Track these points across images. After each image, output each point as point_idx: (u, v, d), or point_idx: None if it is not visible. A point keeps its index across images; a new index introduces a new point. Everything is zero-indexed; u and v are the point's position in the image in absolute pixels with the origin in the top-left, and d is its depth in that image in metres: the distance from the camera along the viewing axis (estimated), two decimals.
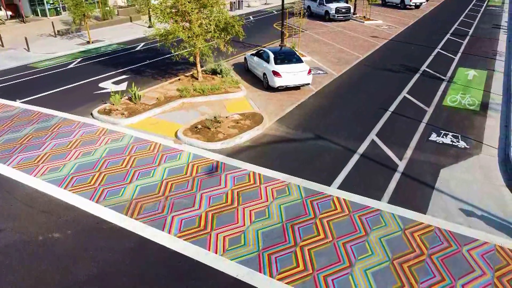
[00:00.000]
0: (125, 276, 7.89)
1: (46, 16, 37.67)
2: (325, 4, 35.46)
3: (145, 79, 19.45)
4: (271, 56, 17.62)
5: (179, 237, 8.88)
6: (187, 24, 17.17)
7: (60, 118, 15.00)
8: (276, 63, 17.33)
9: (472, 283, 7.76)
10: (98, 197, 10.23)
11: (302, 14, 24.01)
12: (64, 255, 8.40)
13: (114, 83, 19.19)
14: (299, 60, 17.84)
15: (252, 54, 19.52)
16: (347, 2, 37.16)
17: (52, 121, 14.71)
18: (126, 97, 16.45)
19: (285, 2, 24.71)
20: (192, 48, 17.26)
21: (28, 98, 17.18)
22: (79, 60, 23.75)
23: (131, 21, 36.68)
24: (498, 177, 11.36)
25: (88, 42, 27.95)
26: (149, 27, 33.01)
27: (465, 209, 9.96)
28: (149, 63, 22.76)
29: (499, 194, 10.59)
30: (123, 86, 18.60)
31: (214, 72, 19.44)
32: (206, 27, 16.83)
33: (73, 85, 18.97)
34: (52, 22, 30.77)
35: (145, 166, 11.69)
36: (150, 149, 12.68)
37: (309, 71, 17.40)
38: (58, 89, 18.36)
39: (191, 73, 20.12)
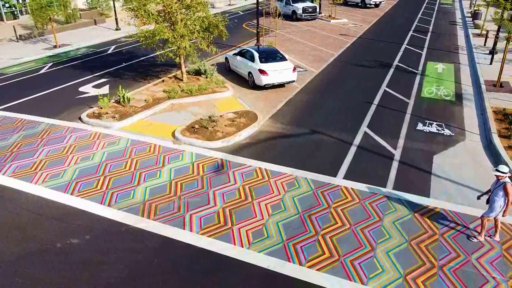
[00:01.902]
0: (157, 274, 7.86)
1: (2, 20, 35.78)
2: (291, 4, 36.14)
3: (126, 82, 19.09)
4: (256, 55, 17.86)
5: (202, 234, 8.94)
6: (171, 25, 17.05)
7: (46, 124, 14.47)
8: (261, 61, 17.59)
9: (484, 256, 8.39)
10: (109, 201, 10.05)
11: (278, 14, 24.39)
12: (88, 260, 8.23)
13: (94, 87, 18.69)
14: (283, 58, 18.21)
15: (235, 54, 19.66)
16: (312, 2, 38.07)
17: (38, 128, 14.17)
18: (113, 100, 16.10)
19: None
20: (177, 48, 17.15)
21: (5, 105, 16.40)
22: (50, 65, 22.87)
23: (95, 24, 35.65)
24: (486, 161, 12.23)
25: (55, 46, 26.94)
26: (116, 29, 32.28)
27: (462, 191, 10.68)
28: (126, 65, 22.31)
29: (490, 176, 11.39)
30: (105, 90, 18.17)
31: (197, 72, 19.41)
32: (191, 28, 16.78)
33: (51, 90, 18.28)
34: (14, 26, 29.34)
35: (149, 167, 11.58)
36: (150, 150, 12.55)
37: (294, 69, 17.81)
38: (36, 95, 17.64)
39: (173, 74, 19.98)
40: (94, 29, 33.54)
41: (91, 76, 20.33)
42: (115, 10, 32.80)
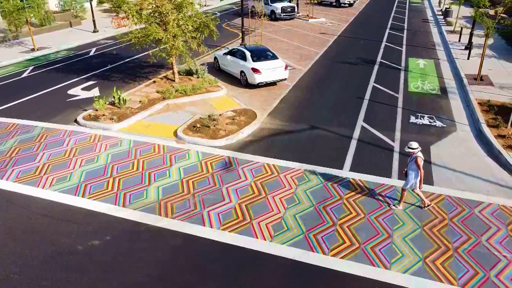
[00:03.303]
0: (185, 271, 7.93)
1: None
2: (270, 4, 36.46)
3: (116, 84, 18.78)
4: (248, 54, 18.03)
5: (223, 230, 9.05)
6: (163, 25, 16.97)
7: (42, 128, 14.14)
8: (253, 60, 17.78)
9: (493, 237, 8.91)
10: (123, 202, 9.99)
11: (263, 14, 24.63)
12: (113, 260, 8.20)
13: (84, 89, 18.35)
14: (275, 57, 18.48)
15: (225, 53, 19.75)
16: (290, 1, 38.56)
17: (34, 132, 13.84)
18: (107, 102, 15.88)
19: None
20: (170, 48, 17.09)
21: None
22: (31, 68, 22.21)
23: (71, 26, 34.80)
24: (479, 149, 12.90)
25: (33, 50, 26.11)
26: (94, 31, 31.65)
27: (463, 178, 11.25)
28: (112, 67, 21.98)
29: (485, 163, 12.07)
30: (95, 92, 17.88)
31: (188, 73, 19.39)
32: (183, 28, 16.77)
33: (38, 94, 17.82)
34: None
35: (157, 167, 11.56)
36: (155, 151, 12.52)
37: (286, 67, 18.12)
38: (23, 99, 17.16)
39: (163, 75, 19.87)
40: (71, 32, 32.74)
41: (78, 79, 19.92)
42: (92, 12, 32.17)
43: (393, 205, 9.92)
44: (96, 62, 23.11)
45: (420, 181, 9.44)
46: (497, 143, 12.72)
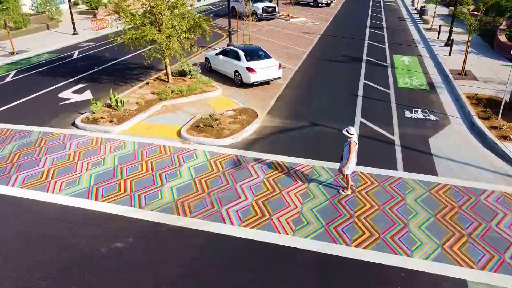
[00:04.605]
0: (215, 268, 7.99)
1: None
2: (252, 4, 36.58)
3: (107, 86, 18.50)
4: (241, 53, 18.13)
5: (244, 226, 9.14)
6: (157, 26, 16.85)
7: (39, 132, 13.80)
8: (247, 59, 17.89)
9: (501, 222, 9.38)
10: (139, 203, 9.92)
11: (251, 14, 24.77)
12: (141, 261, 8.15)
13: (75, 92, 17.98)
14: (268, 56, 18.66)
15: (217, 54, 19.77)
16: (271, 2, 38.85)
17: (32, 137, 13.49)
18: (104, 105, 15.61)
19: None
20: (165, 49, 16.98)
21: None
22: (14, 72, 21.53)
23: (48, 29, 33.88)
24: (474, 141, 13.47)
25: (12, 53, 25.32)
26: (73, 34, 30.92)
27: (464, 168, 11.75)
28: (99, 70, 21.60)
29: (482, 153, 12.64)
30: (87, 95, 17.56)
31: (181, 73, 19.29)
32: (178, 28, 16.70)
33: (28, 98, 17.34)
34: None
35: (167, 168, 11.52)
36: (161, 152, 12.45)
37: (279, 66, 18.33)
38: (12, 104, 16.66)
39: (154, 76, 19.70)
40: (49, 35, 31.88)
41: (66, 82, 19.48)
42: (71, 15, 31.45)
43: (342, 191, 10.35)
44: (82, 65, 22.65)
45: (346, 164, 9.86)
46: (491, 134, 13.32)
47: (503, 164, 11.95)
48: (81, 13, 41.63)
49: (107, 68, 21.91)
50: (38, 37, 30.60)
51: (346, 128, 9.91)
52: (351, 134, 9.79)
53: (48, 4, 37.81)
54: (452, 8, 34.19)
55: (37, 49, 26.56)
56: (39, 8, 38.39)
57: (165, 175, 11.18)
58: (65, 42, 28.78)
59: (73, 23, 31.11)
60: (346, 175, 10.11)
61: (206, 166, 11.67)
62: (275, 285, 7.61)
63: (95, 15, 39.95)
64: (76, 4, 44.29)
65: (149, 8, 16.57)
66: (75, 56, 24.95)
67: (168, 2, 16.85)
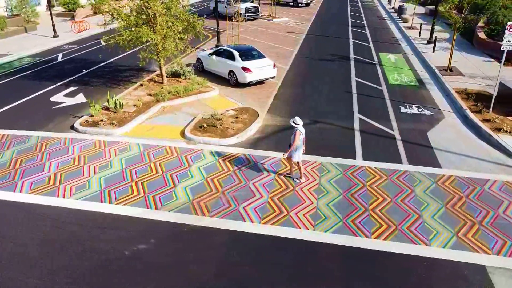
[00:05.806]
0: (242, 265, 8.05)
1: None
2: (233, 5, 36.63)
3: (100, 89, 18.25)
4: (236, 53, 18.19)
5: (264, 223, 9.24)
6: (152, 27, 16.71)
7: (37, 137, 13.48)
8: (242, 59, 17.97)
9: (508, 210, 9.82)
10: (154, 204, 9.87)
11: (239, 14, 24.88)
12: (167, 262, 8.13)
13: (67, 96, 17.60)
14: (262, 55, 18.79)
15: (210, 54, 19.74)
16: (252, 2, 39.00)
17: (30, 141, 13.16)
18: (101, 107, 15.36)
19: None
20: (161, 50, 16.86)
21: None
22: None
23: (26, 31, 32.93)
24: (469, 133, 14.00)
25: None
26: (53, 37, 30.17)
27: (464, 160, 12.21)
28: (88, 72, 21.20)
29: (479, 145, 13.16)
30: (80, 98, 17.24)
31: (174, 74, 19.18)
32: (174, 29, 16.62)
33: (19, 102, 16.88)
34: None
35: (177, 169, 11.48)
36: (168, 153, 12.39)
37: (274, 65, 18.49)
38: (4, 109, 16.19)
39: (147, 78, 19.50)
40: (27, 37, 31.03)
41: (56, 85, 19.05)
42: (51, 17, 30.69)
43: (296, 179, 10.87)
44: (68, 68, 22.17)
45: (288, 150, 10.44)
46: (485, 127, 13.88)
47: (500, 154, 12.48)
48: (58, 15, 40.58)
49: (96, 71, 21.54)
50: (16, 40, 29.75)
51: (292, 119, 10.46)
52: (297, 124, 10.35)
53: (24, 6, 36.76)
54: (429, 7, 35.34)
55: (18, 53, 25.80)
56: (14, 10, 37.26)
57: (176, 175, 11.14)
58: (47, 45, 28.07)
59: (53, 26, 30.37)
60: (297, 162, 10.62)
61: (215, 165, 11.69)
62: (306, 279, 7.74)
63: (73, 17, 39.11)
64: (52, 6, 43.15)
65: (143, 8, 16.39)
66: (59, 59, 24.38)
67: (162, 2, 16.72)
